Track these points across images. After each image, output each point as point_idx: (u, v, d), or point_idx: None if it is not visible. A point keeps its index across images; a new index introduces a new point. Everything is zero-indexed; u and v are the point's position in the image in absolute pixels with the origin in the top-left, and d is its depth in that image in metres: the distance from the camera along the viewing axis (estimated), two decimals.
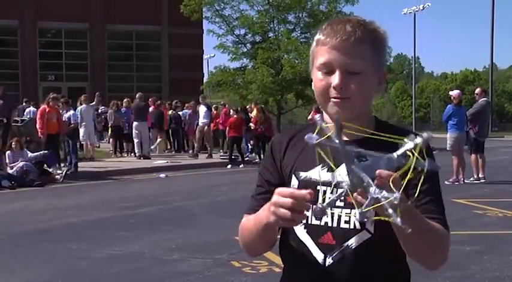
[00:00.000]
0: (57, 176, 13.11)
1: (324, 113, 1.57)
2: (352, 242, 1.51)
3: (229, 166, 16.45)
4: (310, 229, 1.55)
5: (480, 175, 11.93)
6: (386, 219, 1.20)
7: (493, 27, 39.75)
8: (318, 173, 1.51)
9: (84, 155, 16.96)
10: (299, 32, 27.59)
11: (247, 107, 20.08)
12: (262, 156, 16.86)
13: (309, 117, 18.91)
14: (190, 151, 19.12)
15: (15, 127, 17.09)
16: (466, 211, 8.69)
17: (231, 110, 18.85)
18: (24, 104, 22.08)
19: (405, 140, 1.24)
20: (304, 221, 1.53)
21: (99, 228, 7.88)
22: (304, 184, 1.53)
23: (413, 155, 1.21)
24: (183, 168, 15.99)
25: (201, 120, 18.06)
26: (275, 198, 1.33)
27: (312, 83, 1.56)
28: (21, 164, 12.66)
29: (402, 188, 1.20)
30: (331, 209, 1.48)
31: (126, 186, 12.95)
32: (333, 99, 1.51)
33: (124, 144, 19.19)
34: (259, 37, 27.79)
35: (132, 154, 18.38)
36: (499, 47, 76.09)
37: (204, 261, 5.98)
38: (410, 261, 1.54)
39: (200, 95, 18.75)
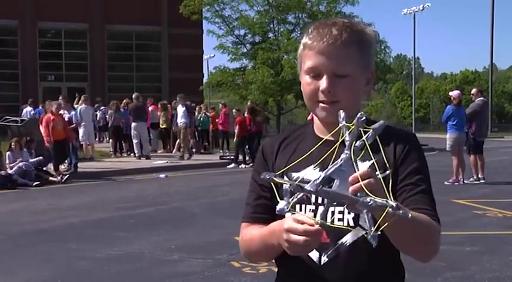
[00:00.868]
0: (56, 178, 13.06)
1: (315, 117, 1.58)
2: (347, 239, 1.51)
3: (232, 165, 16.43)
4: None
5: (480, 175, 11.92)
6: (390, 221, 1.19)
7: (493, 28, 39.78)
8: (310, 174, 1.51)
9: (84, 155, 16.96)
10: (299, 32, 27.60)
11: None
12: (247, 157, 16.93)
13: (309, 117, 18.88)
14: (175, 151, 19.05)
15: (15, 127, 17.11)
16: (465, 211, 8.68)
17: (234, 110, 18.80)
18: (27, 104, 22.14)
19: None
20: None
21: (98, 229, 7.87)
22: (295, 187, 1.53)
23: (348, 129, 1.23)
24: (182, 168, 15.99)
25: (179, 120, 17.96)
26: (286, 235, 1.32)
27: (301, 87, 1.57)
28: (20, 164, 12.67)
29: (385, 186, 1.21)
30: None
31: (125, 186, 12.95)
32: (321, 104, 1.52)
33: (123, 144, 19.20)
34: (259, 37, 27.83)
35: (132, 154, 18.37)
36: (499, 48, 75.94)
37: (204, 261, 5.97)
38: (410, 260, 1.54)
39: (178, 95, 18.63)
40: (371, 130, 1.24)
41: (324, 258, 1.53)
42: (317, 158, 1.41)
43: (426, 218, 1.43)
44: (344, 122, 1.26)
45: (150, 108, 19.72)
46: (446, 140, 12.02)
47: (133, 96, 18.29)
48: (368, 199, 1.16)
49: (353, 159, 1.22)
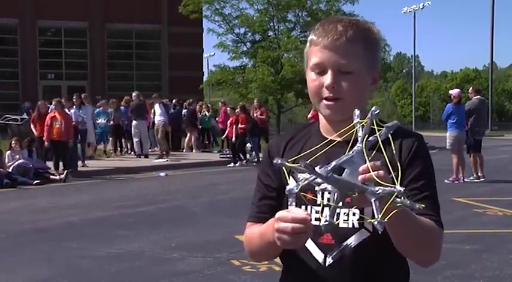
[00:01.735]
0: (57, 177, 13.04)
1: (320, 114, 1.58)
2: (351, 241, 1.51)
3: (232, 164, 16.43)
4: None
5: (479, 174, 11.93)
6: (398, 209, 1.20)
7: (493, 26, 39.79)
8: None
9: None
10: (299, 30, 27.64)
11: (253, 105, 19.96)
12: (248, 156, 16.93)
13: (309, 115, 18.86)
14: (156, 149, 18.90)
15: (15, 126, 17.10)
16: (465, 210, 8.69)
17: (228, 108, 18.75)
18: (28, 103, 22.12)
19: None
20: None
21: (99, 227, 7.88)
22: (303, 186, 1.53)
23: (362, 126, 1.25)
24: (182, 167, 15.99)
25: (157, 118, 17.93)
26: (276, 224, 1.33)
27: (307, 84, 1.57)
28: (19, 161, 12.67)
29: (394, 175, 1.22)
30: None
31: (125, 185, 12.95)
32: (325, 101, 1.51)
33: (123, 142, 19.19)
34: (259, 36, 27.82)
35: (132, 152, 18.37)
36: (499, 46, 76.07)
37: (204, 259, 5.98)
38: (410, 261, 1.54)
39: (153, 94, 18.68)
40: (384, 128, 1.26)
41: (329, 260, 1.53)
42: (323, 158, 1.39)
43: (429, 222, 1.44)
44: (358, 119, 1.28)
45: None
46: (446, 138, 12.03)
47: (134, 94, 18.27)
48: (377, 188, 1.18)
49: (365, 153, 1.23)
